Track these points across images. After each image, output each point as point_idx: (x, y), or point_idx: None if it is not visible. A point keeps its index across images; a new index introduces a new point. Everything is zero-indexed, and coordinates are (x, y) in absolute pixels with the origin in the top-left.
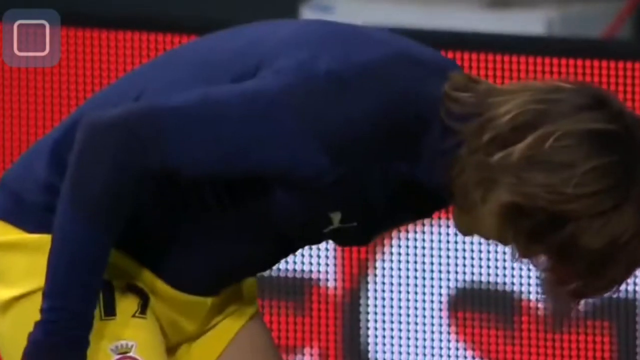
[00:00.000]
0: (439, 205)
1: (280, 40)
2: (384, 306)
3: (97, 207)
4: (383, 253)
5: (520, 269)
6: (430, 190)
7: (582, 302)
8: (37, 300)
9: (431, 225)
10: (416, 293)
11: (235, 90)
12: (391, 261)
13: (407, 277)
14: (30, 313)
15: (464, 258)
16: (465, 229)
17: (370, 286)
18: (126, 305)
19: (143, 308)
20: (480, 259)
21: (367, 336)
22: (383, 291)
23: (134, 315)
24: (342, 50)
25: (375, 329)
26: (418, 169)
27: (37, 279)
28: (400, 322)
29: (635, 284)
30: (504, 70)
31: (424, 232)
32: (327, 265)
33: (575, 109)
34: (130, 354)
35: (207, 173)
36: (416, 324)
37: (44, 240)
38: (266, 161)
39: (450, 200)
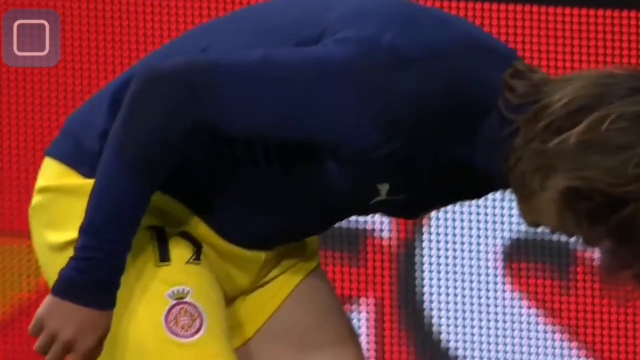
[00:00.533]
0: (491, 189)
1: (348, 10)
2: (439, 257)
3: (143, 154)
4: None
5: None
6: (483, 176)
7: None
8: None
9: None
10: (471, 244)
11: (296, 55)
12: (446, 212)
13: (462, 228)
14: None
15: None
16: (530, 220)
17: (426, 237)
18: (181, 251)
19: (197, 255)
20: None
21: (423, 287)
22: (438, 242)
23: (188, 262)
24: (409, 29)
25: (431, 279)
26: (473, 155)
27: None
28: (455, 273)
29: None
30: (549, 23)
31: None
32: (382, 217)
33: (630, 91)
34: (187, 300)
35: (258, 134)
36: (471, 274)
37: None
38: (319, 129)
39: (507, 188)
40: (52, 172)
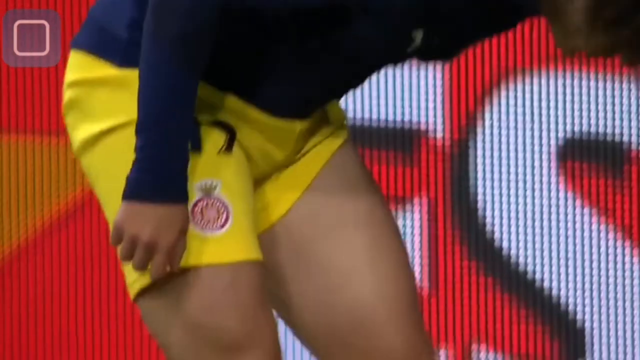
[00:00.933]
0: (520, 17)
1: None
2: (492, 157)
3: (179, 39)
4: (491, 104)
5: (630, 119)
6: (511, 3)
7: None
8: (124, 134)
9: (539, 76)
10: (524, 144)
11: None
12: (499, 112)
13: (516, 128)
14: (118, 146)
15: (573, 109)
16: (565, 45)
17: (479, 137)
18: (212, 141)
19: (229, 143)
20: (589, 109)
21: (476, 187)
22: (491, 142)
23: (219, 152)
24: None
25: (484, 179)
26: None
27: (124, 113)
28: (508, 173)
29: None
30: None
31: (532, 83)
32: (435, 117)
33: None
34: (214, 193)
35: (287, 1)
36: (524, 174)
37: (130, 75)
38: None
39: (536, 14)
40: (80, 64)
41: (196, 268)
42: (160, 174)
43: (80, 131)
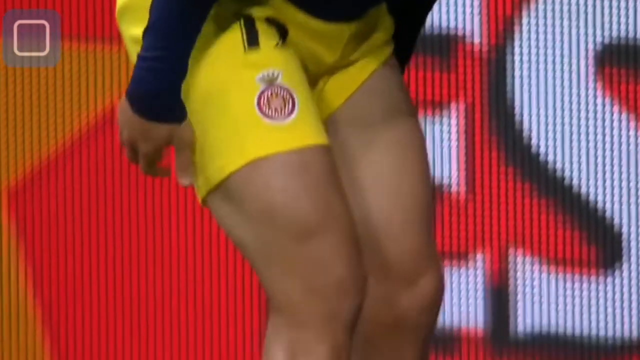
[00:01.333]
0: None
1: None
2: (529, 62)
3: None
4: (529, 9)
5: None
6: None
7: None
8: None
9: None
10: (562, 49)
11: None
12: (537, 17)
13: (554, 33)
14: None
15: (611, 14)
16: None
17: (517, 42)
18: (268, 36)
19: (283, 39)
20: (628, 15)
21: (513, 92)
22: (529, 47)
23: (276, 46)
24: None
25: (521, 84)
26: None
27: None
28: (546, 78)
29: None
30: None
31: None
32: (472, 22)
33: None
34: (278, 82)
35: None
36: (562, 79)
37: None
38: None
39: None
40: None
41: (266, 158)
42: (146, 88)
43: (132, 32)
